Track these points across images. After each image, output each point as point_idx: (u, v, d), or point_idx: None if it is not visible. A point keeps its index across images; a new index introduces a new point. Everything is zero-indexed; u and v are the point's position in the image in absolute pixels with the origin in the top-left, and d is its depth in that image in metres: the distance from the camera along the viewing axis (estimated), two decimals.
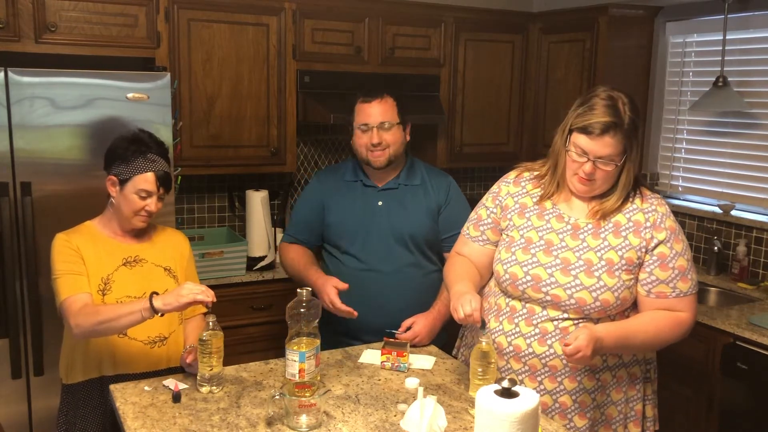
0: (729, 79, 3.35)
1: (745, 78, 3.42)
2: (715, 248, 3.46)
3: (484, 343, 1.91)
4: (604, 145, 1.86)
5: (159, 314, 1.96)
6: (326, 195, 2.58)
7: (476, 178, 4.52)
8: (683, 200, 3.82)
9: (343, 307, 2.32)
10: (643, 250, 1.92)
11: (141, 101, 2.82)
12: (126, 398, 1.93)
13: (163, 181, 2.12)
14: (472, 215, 2.20)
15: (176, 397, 1.91)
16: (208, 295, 1.95)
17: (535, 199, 2.05)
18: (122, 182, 2.09)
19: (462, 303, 1.89)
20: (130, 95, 2.80)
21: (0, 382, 2.72)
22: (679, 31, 3.73)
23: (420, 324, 2.36)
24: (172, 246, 2.27)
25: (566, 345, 1.77)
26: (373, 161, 2.46)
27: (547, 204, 2.03)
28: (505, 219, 2.08)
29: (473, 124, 4.02)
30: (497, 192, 2.13)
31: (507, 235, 2.06)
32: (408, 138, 2.54)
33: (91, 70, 2.76)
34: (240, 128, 3.41)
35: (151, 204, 2.11)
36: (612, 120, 1.85)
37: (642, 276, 1.93)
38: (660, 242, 1.92)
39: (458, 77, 3.92)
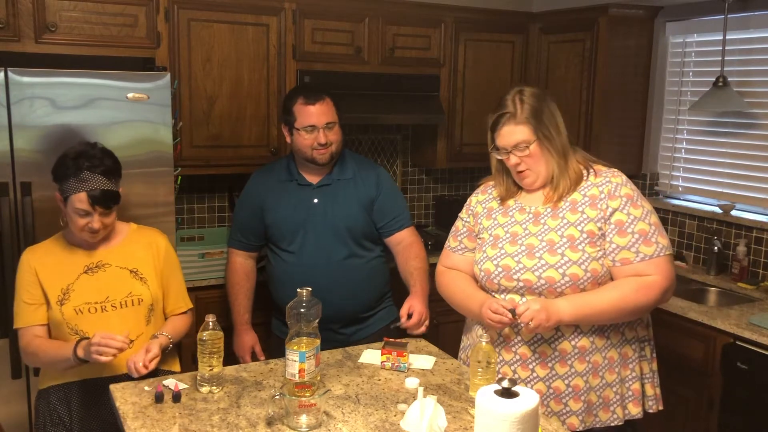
0: (729, 79, 3.34)
1: (745, 78, 3.41)
2: (715, 248, 3.46)
3: (484, 343, 1.92)
4: (508, 135, 2.01)
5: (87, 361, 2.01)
6: (263, 196, 2.67)
7: (476, 178, 4.49)
8: (683, 200, 3.82)
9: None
10: (602, 220, 1.98)
11: (141, 101, 2.82)
12: (126, 398, 1.92)
13: (97, 200, 2.06)
14: (452, 228, 2.29)
15: (176, 397, 1.91)
16: (110, 345, 1.94)
17: (499, 201, 2.17)
18: (65, 200, 2.10)
19: (488, 315, 1.97)
20: (130, 95, 2.80)
21: (0, 382, 2.72)
22: (679, 31, 3.73)
23: (417, 305, 2.40)
24: (143, 247, 2.25)
25: (519, 314, 1.89)
26: (318, 159, 2.56)
27: (510, 202, 2.14)
28: (477, 225, 2.19)
29: (473, 124, 4.02)
30: (468, 203, 2.27)
31: (479, 238, 2.17)
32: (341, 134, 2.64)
33: (91, 70, 2.75)
34: (240, 128, 3.41)
35: (94, 222, 2.08)
36: (503, 112, 2.02)
37: (606, 246, 1.97)
38: (615, 210, 1.97)
39: (458, 77, 3.92)
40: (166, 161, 2.89)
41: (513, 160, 2.04)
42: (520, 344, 2.01)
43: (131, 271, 2.20)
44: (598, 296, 1.94)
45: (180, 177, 3.16)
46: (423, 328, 2.39)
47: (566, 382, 1.98)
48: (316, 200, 2.60)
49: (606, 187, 2.00)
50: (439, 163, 4.02)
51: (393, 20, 3.69)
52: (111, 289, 2.15)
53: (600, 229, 1.97)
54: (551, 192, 2.05)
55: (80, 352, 2.01)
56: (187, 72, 3.26)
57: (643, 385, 2.08)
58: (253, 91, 3.41)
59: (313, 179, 2.63)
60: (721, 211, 3.49)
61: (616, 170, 2.07)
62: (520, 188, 2.14)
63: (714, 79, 3.36)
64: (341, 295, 2.55)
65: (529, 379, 2.01)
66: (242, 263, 2.77)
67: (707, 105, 3.41)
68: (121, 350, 1.97)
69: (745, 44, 3.42)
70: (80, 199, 2.06)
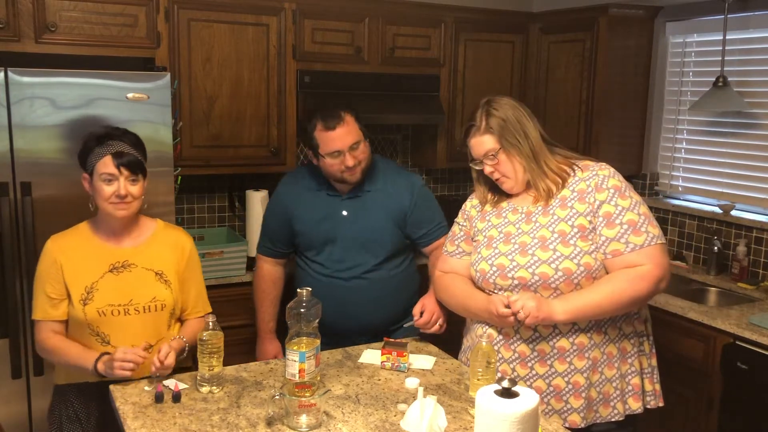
0: (729, 79, 3.34)
1: (745, 78, 3.41)
2: (715, 248, 3.46)
3: (484, 343, 1.92)
4: (476, 146, 2.11)
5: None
6: (291, 205, 2.61)
7: None
8: (683, 200, 3.82)
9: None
10: (591, 214, 2.00)
11: (141, 101, 2.82)
12: (126, 398, 1.92)
13: (124, 162, 2.05)
14: (449, 233, 2.32)
15: (176, 397, 1.91)
16: (135, 360, 1.96)
17: (493, 204, 2.20)
18: (90, 176, 2.09)
19: (494, 307, 1.98)
20: (130, 95, 2.80)
21: (0, 382, 2.72)
22: (679, 31, 3.73)
23: (430, 304, 2.34)
24: (169, 248, 2.22)
25: (509, 306, 1.91)
26: (349, 179, 2.48)
27: (504, 204, 2.17)
28: (472, 228, 2.21)
29: None
30: (464, 208, 2.29)
31: (474, 240, 2.19)
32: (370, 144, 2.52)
33: (91, 70, 2.76)
34: (240, 128, 3.41)
35: (120, 188, 2.05)
36: (469, 124, 2.14)
37: (596, 239, 1.99)
38: (603, 202, 2.00)
39: (458, 77, 3.93)
40: (166, 161, 2.89)
41: (487, 169, 2.11)
42: (518, 342, 2.02)
43: (156, 273, 2.17)
44: (592, 291, 1.95)
45: (180, 177, 3.16)
46: (437, 327, 2.33)
47: (566, 379, 1.99)
48: (345, 212, 2.53)
49: (593, 180, 2.03)
50: (439, 163, 4.02)
51: (393, 20, 3.69)
52: (135, 291, 2.12)
53: (590, 222, 1.99)
54: (536, 193, 2.09)
55: (101, 368, 1.99)
56: (187, 72, 3.26)
57: (642, 380, 2.08)
58: (253, 91, 3.42)
59: (342, 189, 2.56)
60: (721, 211, 3.49)
61: (603, 164, 2.09)
62: (498, 195, 2.18)
63: (714, 79, 3.36)
64: (367, 307, 2.51)
65: (528, 376, 2.02)
66: (270, 270, 2.73)
67: (707, 105, 3.41)
68: (141, 362, 1.98)
69: (745, 44, 3.42)
70: (105, 163, 2.05)
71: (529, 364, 2.02)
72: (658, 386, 2.14)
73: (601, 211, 1.99)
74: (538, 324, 1.95)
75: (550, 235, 2.01)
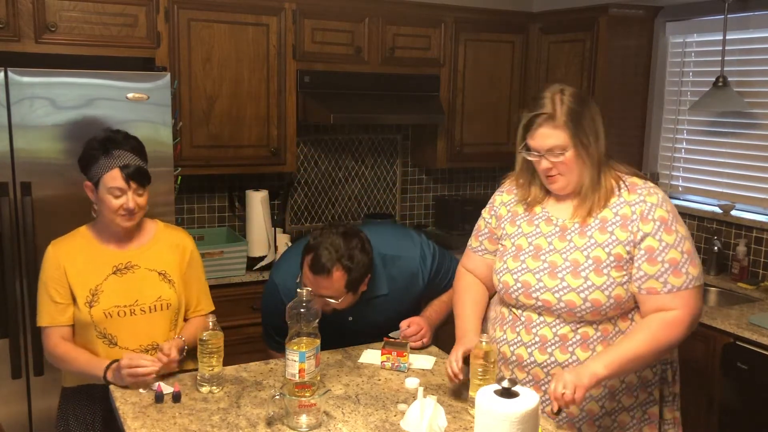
0: (729, 79, 3.35)
1: (745, 78, 3.42)
2: (715, 248, 3.46)
3: (484, 343, 1.91)
4: (542, 138, 1.85)
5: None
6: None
7: (476, 178, 4.52)
8: (683, 200, 3.82)
9: None
10: (632, 244, 1.85)
11: (141, 101, 2.82)
12: (126, 398, 1.92)
13: (132, 175, 2.03)
14: (475, 226, 2.19)
15: (176, 397, 1.91)
16: (156, 364, 1.94)
17: (525, 206, 2.03)
18: (95, 185, 2.06)
19: (450, 361, 1.93)
20: (130, 95, 2.80)
21: (0, 382, 2.72)
22: (679, 31, 3.73)
23: (417, 318, 2.32)
24: (170, 248, 2.21)
25: (557, 398, 1.74)
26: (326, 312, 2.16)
27: (537, 209, 2.01)
28: (500, 228, 2.07)
29: (473, 124, 4.02)
30: (492, 202, 2.13)
31: (501, 244, 2.06)
32: (365, 287, 2.20)
33: (91, 70, 2.76)
34: (240, 128, 3.42)
35: (128, 201, 2.04)
36: (542, 112, 1.85)
37: (633, 272, 1.86)
38: (646, 235, 1.83)
39: (458, 77, 3.93)
40: (166, 161, 2.89)
41: (544, 164, 1.88)
42: (533, 365, 1.94)
43: (160, 273, 2.16)
44: (627, 342, 1.82)
45: (180, 177, 3.16)
46: (419, 343, 2.29)
47: (581, 406, 1.92)
48: (350, 318, 2.31)
49: (639, 207, 1.85)
50: (439, 163, 4.03)
51: (393, 20, 3.69)
52: (140, 292, 2.12)
53: (629, 252, 1.85)
54: (579, 205, 1.91)
55: (110, 376, 1.99)
56: (187, 72, 3.26)
57: (661, 409, 1.99)
58: (253, 91, 3.42)
59: None
60: (721, 211, 3.49)
61: (652, 186, 1.90)
62: (546, 194, 2.00)
63: (714, 79, 3.36)
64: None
65: (541, 400, 1.92)
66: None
67: (707, 105, 3.42)
68: (154, 372, 1.95)
69: (745, 44, 3.42)
70: (113, 177, 2.02)
71: (543, 388, 1.93)
72: (678, 414, 2.03)
73: (644, 245, 1.83)
74: (589, 390, 1.76)
75: (584, 260, 1.86)
